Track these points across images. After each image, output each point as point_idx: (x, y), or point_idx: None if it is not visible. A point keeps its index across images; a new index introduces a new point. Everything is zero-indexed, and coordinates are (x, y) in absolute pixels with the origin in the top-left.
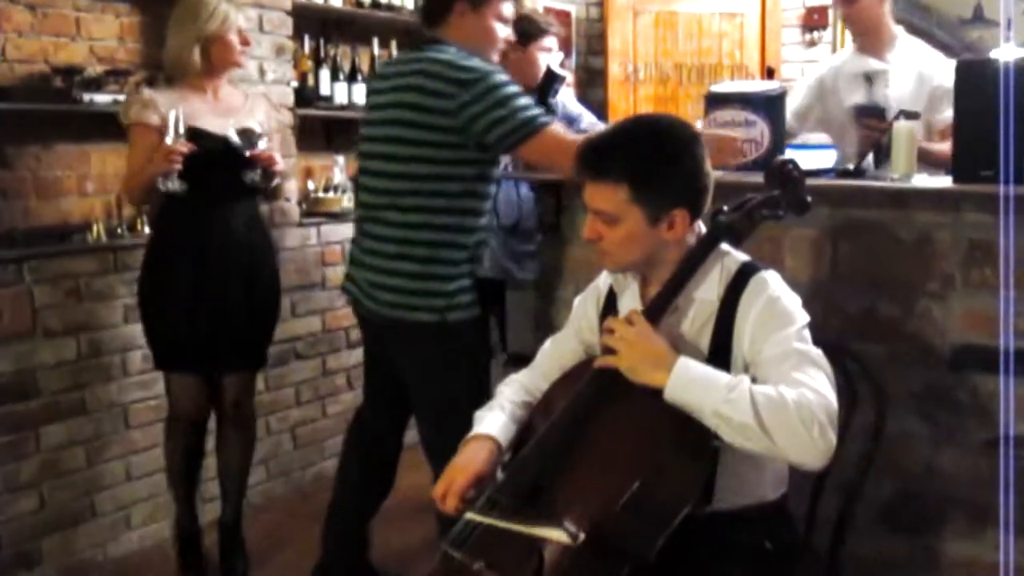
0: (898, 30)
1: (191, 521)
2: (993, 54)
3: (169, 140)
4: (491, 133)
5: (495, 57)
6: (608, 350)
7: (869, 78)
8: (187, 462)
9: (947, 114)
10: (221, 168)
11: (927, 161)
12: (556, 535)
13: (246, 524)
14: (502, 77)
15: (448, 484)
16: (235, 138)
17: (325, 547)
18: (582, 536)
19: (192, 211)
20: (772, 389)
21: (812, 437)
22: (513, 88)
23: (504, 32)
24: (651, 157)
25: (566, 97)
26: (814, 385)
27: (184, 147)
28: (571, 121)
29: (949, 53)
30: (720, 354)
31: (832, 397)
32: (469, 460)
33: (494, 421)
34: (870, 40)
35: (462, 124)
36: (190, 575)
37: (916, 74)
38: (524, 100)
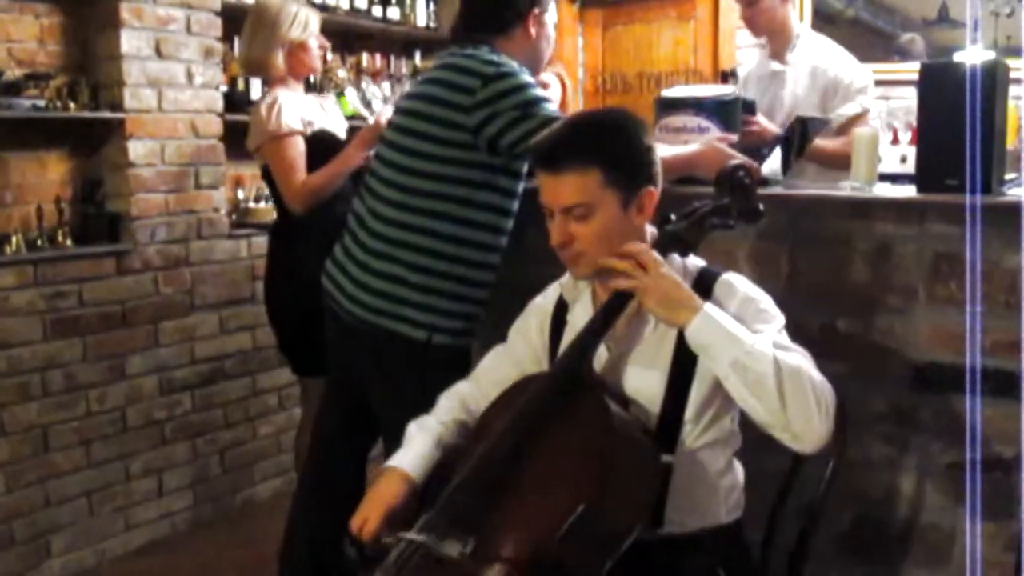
0: (802, 29)
1: None
2: (958, 56)
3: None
4: (507, 135)
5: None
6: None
7: (769, 80)
8: None
9: (843, 110)
10: None
11: (818, 159)
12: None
13: (170, 552)
14: (526, 79)
15: (364, 518)
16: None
17: None
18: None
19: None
20: (791, 355)
21: (820, 415)
22: (537, 91)
23: (549, 51)
24: (615, 138)
25: None
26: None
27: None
28: None
29: (909, 55)
30: (684, 360)
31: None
32: (385, 495)
33: (415, 453)
34: (773, 42)
35: (475, 123)
36: None
37: (810, 68)
38: (548, 105)
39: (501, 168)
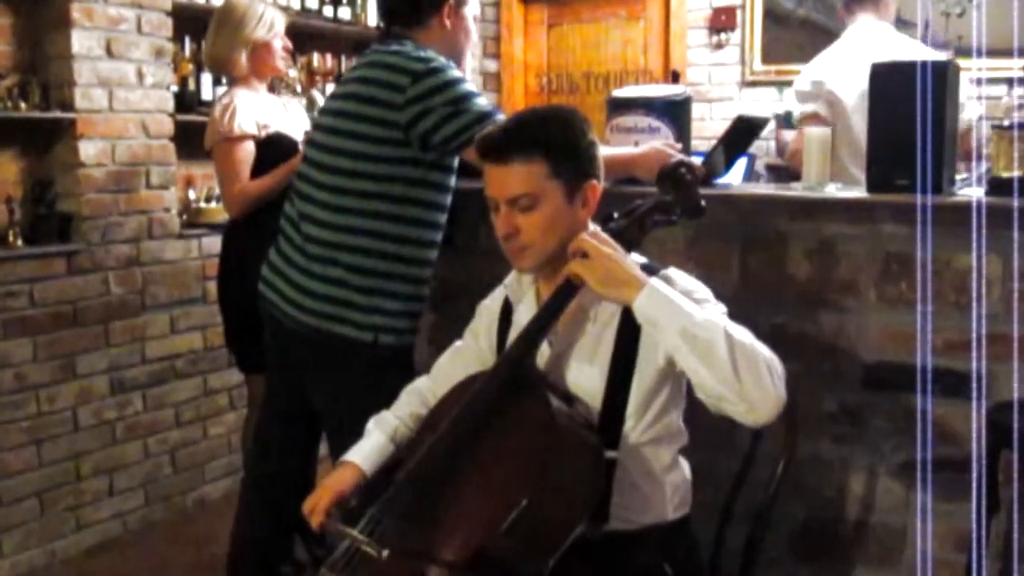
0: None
1: None
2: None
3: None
4: (439, 131)
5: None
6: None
7: None
8: None
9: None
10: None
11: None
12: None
13: (121, 552)
14: (456, 73)
15: (316, 501)
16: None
17: None
18: (384, 554)
19: (260, 215)
20: (740, 329)
21: (773, 383)
22: (467, 86)
23: (472, 40)
24: (562, 130)
25: None
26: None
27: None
28: None
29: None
30: (624, 355)
31: None
32: (336, 481)
33: (368, 447)
34: None
35: (407, 120)
36: None
37: None
38: (479, 100)
39: (434, 164)
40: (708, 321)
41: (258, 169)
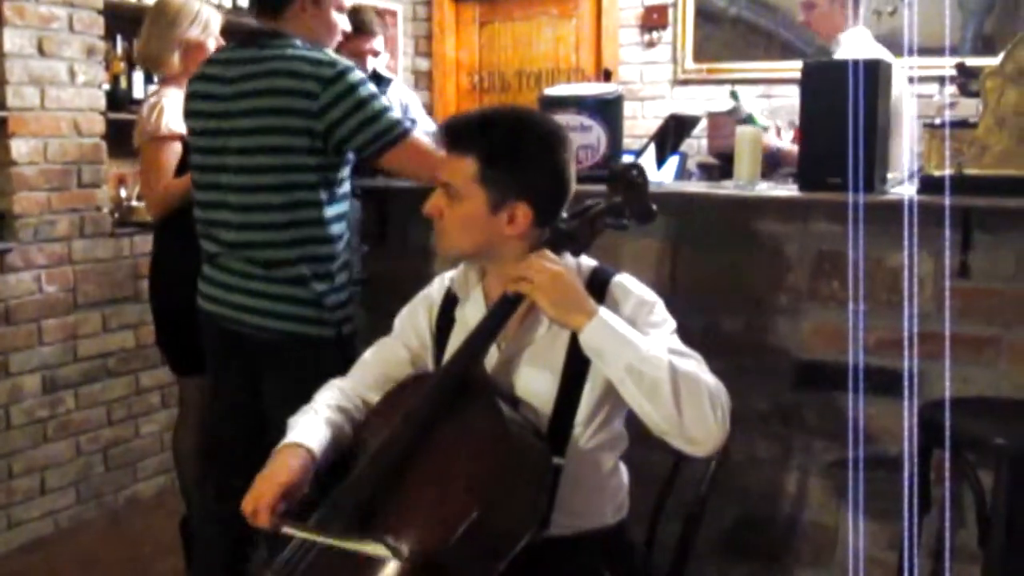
0: (845, 35)
1: None
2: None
3: None
4: (355, 138)
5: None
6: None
7: None
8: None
9: None
10: None
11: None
12: (377, 551)
13: (53, 550)
14: (359, 75)
15: (257, 498)
16: None
17: None
18: (405, 550)
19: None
20: (686, 361)
21: (716, 418)
22: (372, 88)
23: (343, 23)
24: (507, 141)
25: (399, 86)
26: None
27: None
28: (402, 109)
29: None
30: (577, 363)
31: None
32: (278, 470)
33: (306, 427)
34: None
35: (324, 127)
36: None
37: None
38: (385, 102)
39: (340, 165)
40: (654, 357)
41: (184, 169)
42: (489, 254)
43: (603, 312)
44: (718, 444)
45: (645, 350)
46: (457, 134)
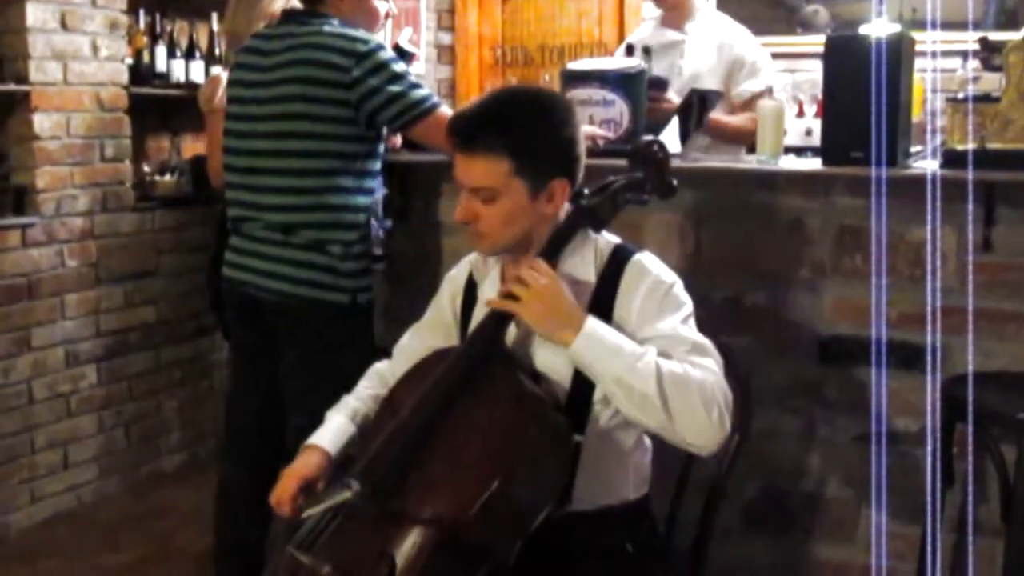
0: (701, 3)
1: None
2: (864, 29)
3: None
4: (387, 110)
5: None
6: (509, 296)
7: (666, 49)
8: None
9: (745, 87)
10: None
11: (721, 135)
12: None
13: (76, 524)
14: (390, 53)
15: (281, 493)
16: None
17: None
18: (355, 485)
19: None
20: (678, 365)
21: (711, 420)
22: (402, 65)
23: (384, 7)
24: (532, 127)
25: None
26: (715, 369)
27: None
28: None
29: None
30: None
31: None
32: (300, 467)
33: (330, 430)
34: (675, 11)
35: (356, 98)
36: None
37: (716, 45)
38: (413, 78)
39: (376, 137)
40: (642, 370)
41: None
42: (529, 239)
43: (590, 325)
44: (717, 444)
45: (633, 362)
46: (473, 136)
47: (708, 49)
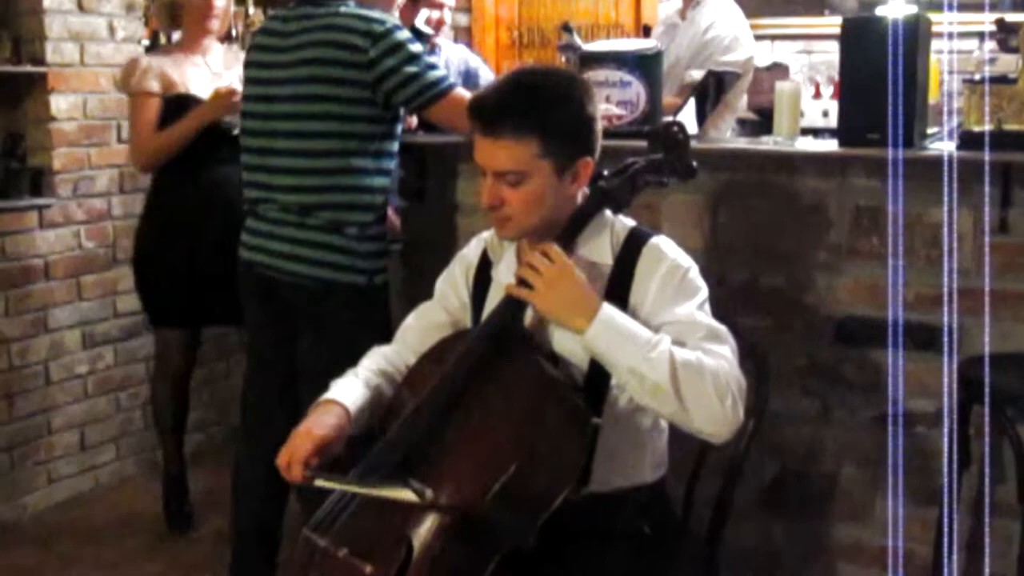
0: None
1: (180, 471)
2: (881, 11)
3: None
4: (404, 90)
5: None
6: (523, 282)
7: (665, 32)
8: (174, 414)
9: (695, 73)
10: (209, 132)
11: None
12: (403, 495)
13: (92, 506)
14: (406, 34)
15: (292, 452)
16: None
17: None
18: (429, 494)
19: (188, 172)
20: (691, 354)
21: (724, 408)
22: (418, 47)
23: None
24: (557, 106)
25: (464, 51)
26: (729, 356)
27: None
28: (469, 75)
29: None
30: None
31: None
32: (313, 425)
33: (345, 386)
34: None
35: (373, 79)
36: (177, 523)
37: (704, 28)
38: (431, 59)
39: (393, 118)
40: (656, 359)
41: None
42: (554, 221)
43: (605, 312)
44: (731, 433)
45: (647, 351)
46: (498, 119)
47: (696, 33)
